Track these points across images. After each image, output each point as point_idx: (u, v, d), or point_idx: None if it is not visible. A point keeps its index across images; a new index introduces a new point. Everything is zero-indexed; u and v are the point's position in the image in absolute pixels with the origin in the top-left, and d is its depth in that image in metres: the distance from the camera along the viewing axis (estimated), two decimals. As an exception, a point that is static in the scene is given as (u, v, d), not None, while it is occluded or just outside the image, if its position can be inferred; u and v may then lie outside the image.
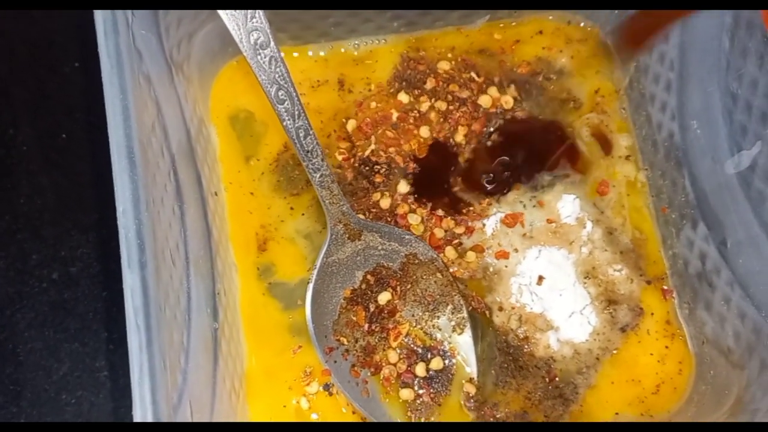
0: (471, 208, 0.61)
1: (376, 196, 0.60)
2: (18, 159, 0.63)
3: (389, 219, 0.59)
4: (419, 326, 0.58)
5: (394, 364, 0.56)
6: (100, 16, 0.43)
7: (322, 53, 0.64)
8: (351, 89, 0.64)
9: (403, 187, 0.61)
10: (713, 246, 0.55)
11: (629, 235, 0.60)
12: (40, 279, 0.60)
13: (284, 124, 0.51)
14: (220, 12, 0.47)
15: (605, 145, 0.62)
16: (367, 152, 0.61)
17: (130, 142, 0.42)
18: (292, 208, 0.61)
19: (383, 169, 0.61)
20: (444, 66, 0.63)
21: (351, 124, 0.62)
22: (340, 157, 0.61)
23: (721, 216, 0.54)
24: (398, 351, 0.57)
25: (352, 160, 0.61)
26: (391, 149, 0.61)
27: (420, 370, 0.56)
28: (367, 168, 0.61)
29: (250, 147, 0.62)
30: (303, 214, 0.60)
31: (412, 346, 0.57)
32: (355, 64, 0.64)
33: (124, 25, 0.44)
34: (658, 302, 0.59)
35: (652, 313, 0.59)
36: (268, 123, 0.63)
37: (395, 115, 0.62)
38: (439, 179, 0.62)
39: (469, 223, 0.60)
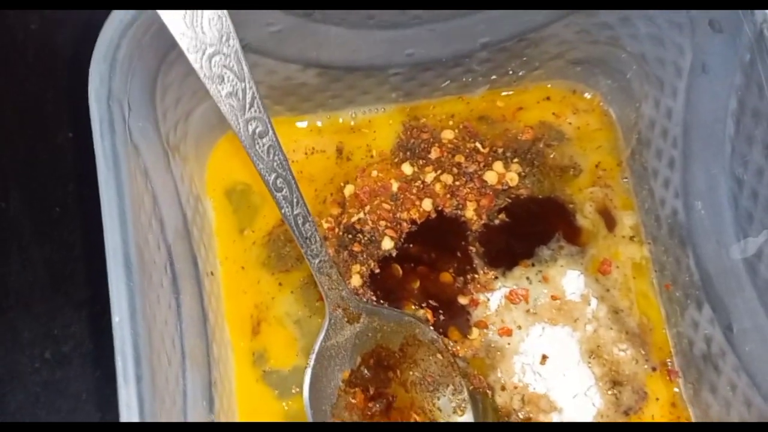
0: (476, 276, 0.60)
1: (356, 267, 0.59)
2: (9, 232, 0.61)
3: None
4: (421, 409, 0.57)
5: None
6: (96, 117, 0.42)
7: (318, 123, 0.63)
8: (350, 157, 0.63)
9: (387, 243, 0.60)
10: (719, 330, 0.54)
11: (636, 319, 0.59)
12: (32, 358, 0.59)
13: (282, 211, 0.49)
14: (219, 104, 0.46)
15: (609, 221, 0.61)
16: (354, 219, 0.60)
17: (127, 248, 0.41)
18: (280, 284, 0.60)
19: (365, 239, 0.60)
20: (448, 135, 0.63)
21: (349, 189, 0.62)
22: (326, 226, 0.61)
23: (726, 300, 0.53)
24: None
25: (336, 229, 0.60)
26: (382, 222, 0.60)
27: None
28: (349, 236, 0.60)
29: (246, 219, 0.61)
30: (292, 292, 0.59)
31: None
32: (353, 132, 0.63)
33: (121, 123, 0.43)
34: (663, 387, 0.58)
35: (657, 398, 0.58)
36: (265, 195, 0.61)
37: (395, 185, 0.61)
38: (447, 245, 0.61)
39: (474, 296, 0.59)
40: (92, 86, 0.43)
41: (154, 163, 0.48)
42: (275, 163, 0.48)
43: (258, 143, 0.47)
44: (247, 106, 0.46)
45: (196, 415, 0.47)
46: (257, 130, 0.47)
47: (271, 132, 0.47)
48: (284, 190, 0.49)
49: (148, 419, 0.39)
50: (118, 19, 0.44)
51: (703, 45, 0.52)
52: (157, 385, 0.41)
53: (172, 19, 0.42)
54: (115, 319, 0.39)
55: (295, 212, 0.50)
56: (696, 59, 0.53)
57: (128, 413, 0.39)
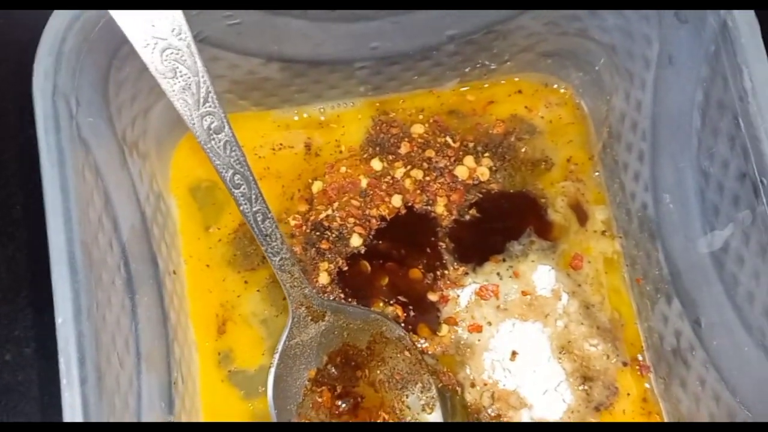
0: (446, 272, 0.59)
1: (323, 265, 0.58)
2: (-30, 232, 0.60)
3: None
4: (389, 408, 0.56)
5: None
6: (41, 111, 0.41)
7: (286, 118, 0.62)
8: (318, 152, 0.62)
9: (356, 240, 0.59)
10: (688, 324, 0.53)
11: (608, 314, 0.58)
12: (-7, 360, 0.58)
13: (241, 208, 0.49)
14: (173, 100, 0.45)
15: (581, 215, 0.60)
16: (322, 216, 0.59)
17: (71, 246, 0.40)
18: (246, 282, 0.59)
19: (333, 236, 0.59)
20: (418, 129, 0.62)
21: (317, 186, 0.61)
22: (293, 223, 0.60)
23: (694, 294, 0.52)
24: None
25: (304, 227, 0.59)
26: (351, 219, 0.59)
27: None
28: (317, 233, 0.59)
29: (212, 216, 0.60)
30: (258, 291, 0.58)
31: None
32: (321, 128, 0.62)
33: (67, 119, 0.42)
34: (634, 382, 0.57)
35: (629, 394, 0.57)
36: (231, 192, 0.60)
37: (365, 181, 0.60)
38: (417, 241, 0.60)
39: (444, 292, 0.58)
40: (36, 81, 0.42)
41: (107, 161, 0.47)
42: (232, 159, 0.47)
43: (214, 139, 0.46)
44: (201, 101, 0.45)
45: (152, 416, 0.46)
46: (212, 126, 0.46)
47: (227, 127, 0.46)
48: (242, 187, 0.48)
49: (93, 420, 0.38)
50: (64, 12, 0.43)
51: (670, 36, 0.51)
52: (106, 386, 0.40)
53: (120, 12, 0.41)
54: (58, 320, 0.38)
55: (254, 209, 0.49)
56: (663, 51, 0.52)
57: (72, 415, 0.38)
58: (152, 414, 0.46)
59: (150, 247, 0.51)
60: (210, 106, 0.45)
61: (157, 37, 0.43)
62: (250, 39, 0.53)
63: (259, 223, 0.49)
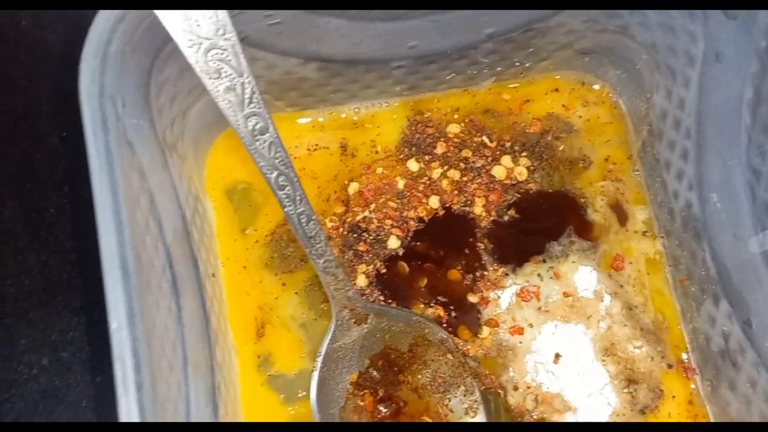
0: (485, 273, 0.58)
1: (361, 267, 0.58)
2: (3, 237, 0.60)
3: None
4: (432, 412, 0.55)
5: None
6: (89, 113, 0.40)
7: (321, 119, 0.61)
8: (355, 153, 0.61)
9: (393, 242, 0.58)
10: (737, 325, 0.52)
11: (651, 316, 0.58)
12: (30, 365, 0.57)
13: (285, 210, 0.48)
14: (217, 100, 0.44)
15: (621, 215, 0.60)
16: (359, 218, 0.58)
17: (123, 250, 0.39)
18: (284, 284, 0.58)
19: (370, 238, 0.58)
20: (454, 129, 0.61)
21: (353, 187, 0.60)
22: (330, 225, 0.59)
23: (745, 295, 0.51)
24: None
25: (341, 228, 0.59)
26: (388, 221, 0.58)
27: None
28: (354, 236, 0.58)
29: (248, 218, 0.60)
30: (296, 293, 0.58)
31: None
32: (356, 128, 0.62)
33: (114, 120, 0.41)
34: (680, 384, 0.57)
35: (674, 396, 0.56)
36: (267, 193, 0.59)
37: (401, 182, 0.59)
38: (455, 242, 0.59)
39: (484, 293, 0.57)
40: (83, 83, 0.41)
41: (151, 162, 0.46)
42: (277, 161, 0.46)
43: (258, 140, 0.45)
44: (246, 101, 0.44)
45: (199, 421, 0.45)
46: (257, 126, 0.45)
47: (271, 128, 0.45)
48: (287, 188, 0.47)
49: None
50: (109, 13, 0.42)
51: (717, 33, 0.50)
52: (159, 392, 0.39)
53: (165, 12, 0.40)
54: (113, 325, 0.38)
55: (298, 211, 0.48)
56: (709, 47, 0.51)
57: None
58: (200, 419, 0.45)
59: (191, 250, 0.51)
60: (255, 107, 0.44)
61: (202, 37, 0.42)
62: (289, 39, 0.52)
63: (303, 225, 0.48)
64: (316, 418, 0.53)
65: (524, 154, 0.61)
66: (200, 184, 0.58)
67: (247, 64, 0.43)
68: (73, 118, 0.60)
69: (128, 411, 0.37)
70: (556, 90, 0.62)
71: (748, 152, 0.49)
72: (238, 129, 0.44)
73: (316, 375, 0.53)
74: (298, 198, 0.47)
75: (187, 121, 0.54)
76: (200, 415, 0.46)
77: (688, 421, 0.56)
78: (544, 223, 0.60)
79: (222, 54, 0.42)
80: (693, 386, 0.57)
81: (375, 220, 0.59)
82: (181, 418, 0.43)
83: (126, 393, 0.37)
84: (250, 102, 0.44)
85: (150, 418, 0.37)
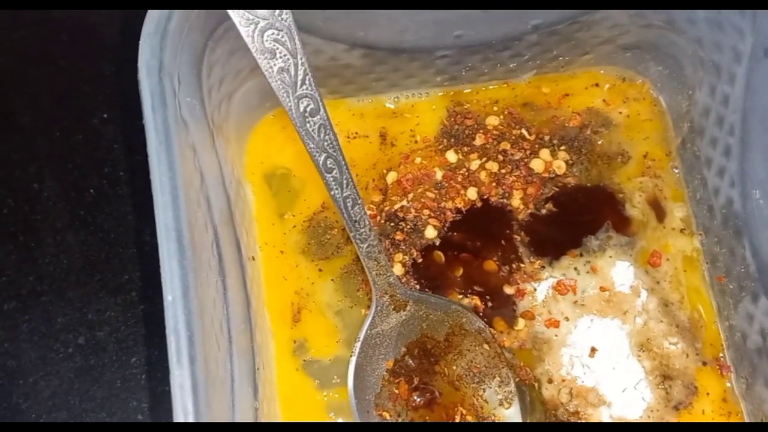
0: (522, 265, 0.58)
1: (398, 256, 0.58)
2: (43, 216, 0.60)
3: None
4: (468, 403, 0.55)
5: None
6: (147, 89, 0.40)
7: (360, 107, 0.62)
8: (394, 142, 0.61)
9: (430, 232, 0.58)
10: (777, 323, 0.52)
11: (687, 313, 0.57)
12: (66, 344, 0.58)
13: (332, 193, 0.48)
14: (269, 80, 0.44)
15: (659, 212, 0.59)
16: (396, 207, 0.58)
17: (179, 224, 0.39)
18: (320, 270, 0.58)
19: (407, 227, 0.58)
20: (493, 121, 0.61)
21: (391, 176, 0.60)
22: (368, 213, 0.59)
23: (786, 292, 0.51)
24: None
25: (378, 217, 0.59)
26: (426, 211, 0.58)
27: (477, 455, 0.53)
28: (391, 224, 0.58)
29: (287, 203, 0.60)
30: (332, 280, 0.58)
31: (464, 428, 0.54)
32: (395, 117, 0.62)
33: (172, 96, 0.41)
34: (714, 382, 0.56)
35: (708, 393, 0.56)
36: (305, 179, 0.60)
37: (440, 173, 0.60)
38: (492, 233, 0.59)
39: (520, 285, 0.57)
40: (143, 58, 0.41)
41: (201, 141, 0.46)
42: (326, 143, 0.46)
43: (309, 122, 0.45)
44: (299, 83, 0.44)
45: (243, 403, 0.46)
46: (308, 108, 0.45)
47: (322, 110, 0.45)
48: (334, 171, 0.47)
49: (202, 403, 0.38)
50: (170, -11, 0.42)
51: (766, 28, 0.50)
52: (210, 370, 0.40)
53: (227, -9, 0.41)
54: (168, 297, 0.38)
55: (344, 194, 0.48)
56: (757, 43, 0.51)
57: (182, 395, 0.37)
58: (243, 400, 0.45)
59: (234, 232, 0.51)
60: (307, 89, 0.45)
61: (259, 17, 0.42)
62: (337, 24, 0.53)
63: (349, 208, 0.49)
64: (352, 403, 0.53)
65: (563, 147, 0.61)
66: (241, 169, 0.58)
67: (302, 46, 0.43)
68: (114, 100, 0.61)
69: (182, 384, 0.37)
70: (596, 85, 0.62)
71: (795, 149, 0.49)
72: (289, 110, 0.45)
73: (354, 360, 0.53)
74: (345, 182, 0.48)
75: (232, 104, 0.54)
76: (242, 395, 0.46)
77: (722, 418, 0.56)
78: (581, 217, 0.60)
79: (277, 34, 0.43)
80: (728, 384, 0.57)
81: (413, 210, 0.59)
82: (227, 397, 0.43)
83: (180, 366, 0.37)
84: (303, 83, 0.44)
85: (202, 393, 0.38)
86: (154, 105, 0.40)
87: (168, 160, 0.40)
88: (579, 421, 0.55)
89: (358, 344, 0.54)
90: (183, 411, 0.37)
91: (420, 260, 0.58)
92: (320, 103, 0.45)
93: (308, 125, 0.45)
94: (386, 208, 0.59)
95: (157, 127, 0.40)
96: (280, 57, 0.43)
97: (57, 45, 0.63)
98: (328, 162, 0.47)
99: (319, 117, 0.46)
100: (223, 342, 0.44)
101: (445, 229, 0.59)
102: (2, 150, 0.61)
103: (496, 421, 0.55)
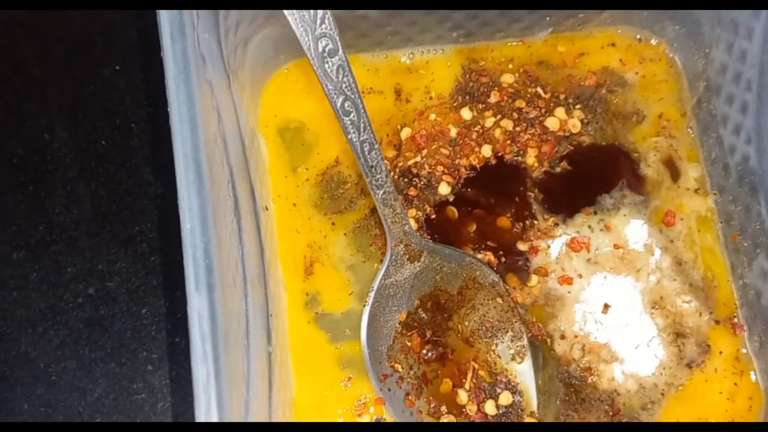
0: (535, 222, 0.58)
1: (411, 212, 0.57)
2: (54, 166, 0.59)
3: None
4: (481, 358, 0.55)
5: (464, 406, 0.53)
6: (166, 18, 0.40)
7: (374, 62, 0.61)
8: (409, 98, 0.61)
9: (444, 188, 0.58)
10: (793, 277, 0.52)
11: (700, 272, 0.57)
12: (76, 294, 0.57)
13: (349, 137, 0.48)
14: (288, 17, 0.44)
15: (673, 172, 0.59)
16: (410, 163, 0.58)
17: (198, 154, 0.39)
18: (333, 224, 0.58)
19: (421, 183, 0.58)
20: (508, 79, 0.61)
21: (405, 132, 0.59)
22: None
23: (803, 247, 0.51)
24: (468, 390, 0.53)
25: (392, 173, 0.58)
26: (440, 167, 0.58)
27: (490, 408, 0.53)
28: (405, 180, 0.58)
29: (300, 157, 0.59)
30: (345, 235, 0.57)
31: (477, 382, 0.54)
32: (410, 73, 0.61)
33: (191, 28, 0.41)
34: (727, 340, 0.56)
35: (721, 352, 0.56)
36: (319, 134, 0.60)
37: (454, 130, 0.59)
38: (506, 190, 0.59)
39: (534, 242, 0.57)
40: (163, -12, 0.40)
41: (218, 82, 0.46)
42: (344, 85, 0.46)
43: (327, 62, 0.45)
44: (318, 21, 0.44)
45: (257, 344, 0.45)
46: (327, 48, 0.45)
47: (341, 51, 0.45)
48: (352, 114, 0.47)
49: (220, 332, 0.37)
50: None
51: (787, -20, 0.50)
52: (227, 301, 0.39)
53: None
54: (186, 225, 0.37)
55: (361, 138, 0.48)
56: (778, -4, 0.51)
57: (200, 323, 0.37)
58: (257, 341, 0.45)
59: (249, 177, 0.50)
60: (326, 28, 0.44)
61: (279, -47, 0.42)
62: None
63: (366, 153, 0.48)
64: (365, 353, 0.53)
65: (578, 106, 0.60)
66: (255, 120, 0.58)
67: (322, -18, 0.43)
68: (127, 52, 0.60)
69: (200, 311, 0.37)
70: (613, 45, 0.62)
71: (815, 100, 0.49)
72: (308, 50, 0.44)
73: (367, 310, 0.53)
74: (362, 125, 0.47)
75: (248, 51, 0.54)
76: (257, 337, 0.45)
77: (735, 377, 0.56)
78: (596, 175, 0.60)
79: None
80: (740, 343, 0.57)
81: (426, 166, 0.58)
82: (242, 334, 0.42)
83: (199, 293, 0.37)
84: (322, 22, 0.44)
85: (219, 322, 0.37)
86: (173, 34, 0.40)
87: (186, 90, 0.39)
88: (591, 376, 0.55)
89: (372, 293, 0.53)
90: (201, 336, 0.36)
91: (433, 216, 0.58)
92: (339, 44, 0.45)
93: (326, 65, 0.45)
94: (400, 164, 0.59)
95: (176, 56, 0.39)
96: (300, -7, 0.43)
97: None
98: (346, 104, 0.47)
99: (337, 58, 0.45)
100: (239, 280, 0.43)
101: (459, 185, 0.58)
102: (13, 100, 0.60)
103: (509, 374, 0.54)
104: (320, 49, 0.45)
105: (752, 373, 0.56)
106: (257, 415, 0.42)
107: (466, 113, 0.60)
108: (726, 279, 0.58)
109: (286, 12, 0.43)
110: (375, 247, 0.57)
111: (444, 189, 0.58)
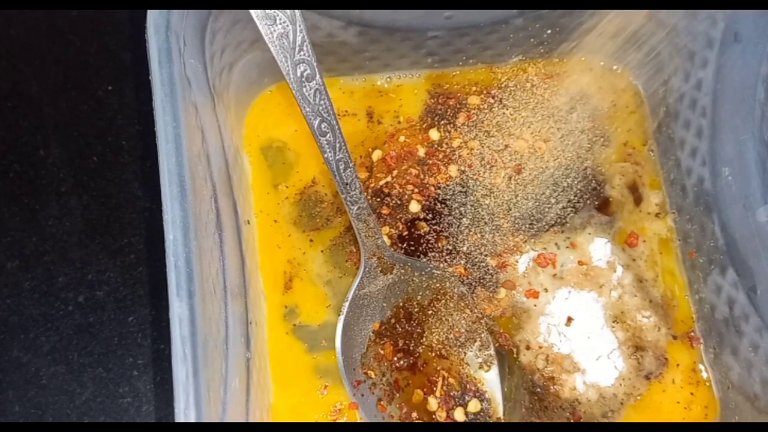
0: (505, 239, 0.61)
1: (384, 230, 0.60)
2: (48, 180, 0.62)
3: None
4: (449, 364, 0.57)
5: (434, 413, 0.56)
6: (155, 45, 0.43)
7: (350, 85, 0.64)
8: (380, 120, 0.64)
9: (414, 206, 0.61)
10: (742, 292, 0.55)
11: (660, 291, 0.60)
12: (66, 302, 0.60)
13: (325, 156, 0.51)
14: (269, 44, 0.47)
15: (636, 197, 0.63)
16: (381, 183, 0.61)
17: (182, 170, 0.42)
18: (311, 240, 0.61)
19: (392, 202, 0.61)
20: (474, 101, 0.64)
21: (377, 154, 0.63)
22: None
23: (751, 263, 0.54)
24: (438, 397, 0.56)
25: (365, 193, 0.61)
26: (410, 186, 0.61)
27: (459, 415, 0.56)
28: (378, 200, 0.61)
29: (281, 174, 0.62)
30: (322, 252, 0.60)
31: (447, 389, 0.57)
32: (381, 96, 0.64)
33: (177, 54, 0.44)
34: (684, 354, 0.59)
35: (678, 364, 0.59)
36: (300, 153, 0.63)
37: (422, 150, 0.62)
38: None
39: (503, 257, 0.60)
40: (152, 16, 0.44)
41: (203, 103, 0.49)
42: (321, 108, 0.49)
43: (305, 86, 0.48)
44: (297, 48, 0.47)
45: (236, 350, 0.48)
46: (305, 74, 0.48)
47: (318, 76, 0.48)
48: (328, 135, 0.50)
49: (199, 336, 0.40)
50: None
51: (736, 14, 0.53)
52: (206, 307, 0.42)
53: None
54: (170, 236, 0.40)
55: (337, 157, 0.51)
56: (728, 29, 0.54)
57: (180, 327, 0.40)
58: (236, 347, 0.48)
59: (232, 194, 0.54)
60: (304, 55, 0.48)
61: (261, -14, 0.45)
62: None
63: (341, 171, 0.51)
64: (339, 360, 0.56)
65: (544, 128, 0.64)
66: (239, 139, 0.61)
67: (300, 13, 0.46)
68: (119, 73, 0.64)
69: (181, 315, 0.40)
70: (579, 71, 0.65)
71: (762, 126, 0.52)
72: (287, 74, 0.47)
73: (342, 318, 0.56)
74: (337, 145, 0.50)
75: (233, 74, 0.57)
76: (235, 342, 0.48)
77: (691, 387, 0.59)
78: (562, 195, 0.63)
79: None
80: (697, 355, 0.60)
81: (397, 186, 0.61)
82: (221, 340, 0.45)
83: (180, 299, 0.40)
84: (300, 50, 0.47)
85: (199, 326, 0.40)
86: (161, 59, 0.43)
87: (173, 111, 0.43)
88: (554, 385, 0.58)
89: (347, 303, 0.56)
90: (181, 339, 0.39)
91: (405, 233, 0.61)
92: (316, 70, 0.48)
93: (304, 89, 0.48)
94: (372, 185, 0.62)
95: (163, 80, 0.43)
96: (280, 23, 0.46)
97: (65, 19, 0.65)
98: (323, 126, 0.50)
99: (315, 82, 0.48)
100: (219, 288, 0.46)
101: (429, 203, 0.61)
102: (11, 117, 0.64)
103: (477, 382, 0.57)
104: (299, 74, 0.48)
105: (708, 383, 0.59)
106: (234, 415, 0.44)
107: (434, 134, 0.63)
108: (684, 297, 0.61)
109: (266, 39, 0.46)
110: (350, 263, 0.60)
111: (414, 207, 0.61)
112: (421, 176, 0.62)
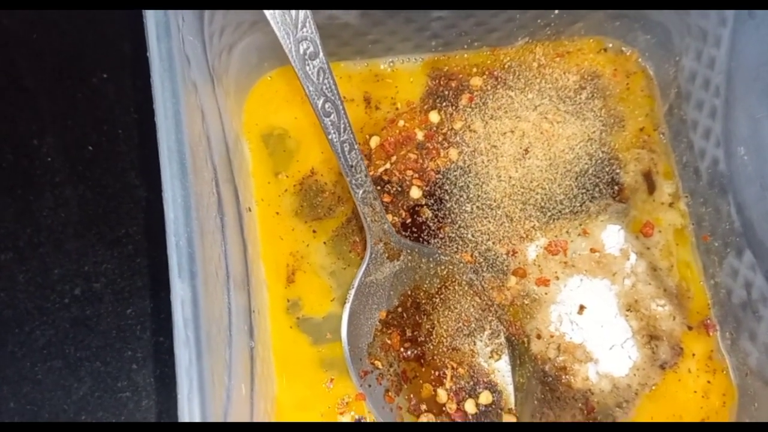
0: (514, 224, 0.59)
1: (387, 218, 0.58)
2: (42, 170, 0.61)
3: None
4: (457, 354, 0.56)
5: (444, 404, 0.54)
6: (152, 19, 0.42)
7: (350, 70, 0.62)
8: (378, 106, 0.62)
9: (415, 192, 0.59)
10: (760, 274, 0.54)
11: (675, 281, 0.59)
12: (62, 294, 0.58)
13: (329, 137, 0.49)
14: (270, 20, 0.45)
15: (650, 185, 0.61)
16: (380, 171, 0.60)
17: (182, 147, 0.40)
18: (314, 231, 0.59)
19: (393, 189, 0.59)
20: (476, 82, 0.62)
21: (374, 141, 0.61)
22: None
23: (769, 244, 0.53)
24: (448, 389, 0.55)
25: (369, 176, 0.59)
26: (409, 172, 0.59)
27: (470, 406, 0.54)
28: (378, 188, 0.59)
29: (282, 163, 0.61)
30: (325, 243, 0.59)
31: (457, 380, 0.55)
32: (377, 82, 0.63)
33: (176, 29, 0.43)
34: (700, 343, 0.58)
35: (694, 354, 0.57)
36: (301, 140, 0.61)
37: (420, 134, 0.61)
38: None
39: (513, 244, 0.58)
40: (150, -9, 0.42)
41: (203, 83, 0.47)
42: (324, 87, 0.47)
43: (308, 65, 0.47)
44: (299, 25, 0.46)
45: (239, 337, 0.46)
46: (308, 51, 0.46)
47: (321, 54, 0.47)
48: (332, 115, 0.48)
49: (202, 318, 0.38)
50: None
51: (750, -10, 0.52)
52: (209, 290, 0.40)
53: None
54: (170, 215, 0.39)
55: (341, 138, 0.49)
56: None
57: (182, 309, 0.38)
58: (239, 335, 0.46)
59: (233, 179, 0.52)
60: (307, 32, 0.46)
61: (262, -41, 0.43)
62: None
63: (346, 153, 0.50)
64: (345, 349, 0.54)
65: (553, 109, 0.62)
66: (239, 126, 0.59)
67: (303, -12, 0.44)
68: (114, 61, 0.62)
69: (183, 297, 0.38)
70: (587, 51, 0.64)
71: (778, 103, 0.51)
72: (290, 53, 0.46)
73: (348, 307, 0.54)
74: (342, 126, 0.49)
75: (232, 57, 0.55)
76: (238, 329, 0.47)
77: (708, 375, 0.57)
78: (574, 180, 0.61)
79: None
80: (713, 343, 0.58)
81: (396, 172, 0.60)
82: (224, 325, 0.43)
83: (181, 279, 0.38)
84: (303, 26, 0.46)
85: (201, 308, 0.38)
86: (159, 34, 0.41)
87: (172, 86, 0.41)
88: (566, 375, 0.56)
89: (353, 291, 0.54)
90: (183, 321, 0.38)
91: (409, 220, 0.59)
92: (319, 47, 0.47)
93: (307, 68, 0.47)
94: (371, 173, 0.60)
95: (162, 55, 0.41)
96: (282, 0, 0.44)
97: (62, 11, 0.64)
98: (327, 106, 0.48)
99: (318, 60, 0.47)
100: (221, 273, 0.44)
101: (430, 188, 0.60)
102: (6, 108, 0.62)
103: (488, 372, 0.55)
104: (301, 52, 0.46)
105: (725, 370, 0.57)
106: (238, 404, 0.43)
107: (434, 116, 0.61)
108: (700, 283, 0.59)
109: (267, 15, 0.45)
110: (354, 254, 0.58)
111: (415, 193, 0.59)
112: (420, 161, 0.60)
